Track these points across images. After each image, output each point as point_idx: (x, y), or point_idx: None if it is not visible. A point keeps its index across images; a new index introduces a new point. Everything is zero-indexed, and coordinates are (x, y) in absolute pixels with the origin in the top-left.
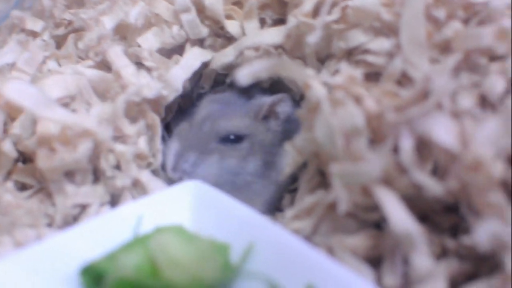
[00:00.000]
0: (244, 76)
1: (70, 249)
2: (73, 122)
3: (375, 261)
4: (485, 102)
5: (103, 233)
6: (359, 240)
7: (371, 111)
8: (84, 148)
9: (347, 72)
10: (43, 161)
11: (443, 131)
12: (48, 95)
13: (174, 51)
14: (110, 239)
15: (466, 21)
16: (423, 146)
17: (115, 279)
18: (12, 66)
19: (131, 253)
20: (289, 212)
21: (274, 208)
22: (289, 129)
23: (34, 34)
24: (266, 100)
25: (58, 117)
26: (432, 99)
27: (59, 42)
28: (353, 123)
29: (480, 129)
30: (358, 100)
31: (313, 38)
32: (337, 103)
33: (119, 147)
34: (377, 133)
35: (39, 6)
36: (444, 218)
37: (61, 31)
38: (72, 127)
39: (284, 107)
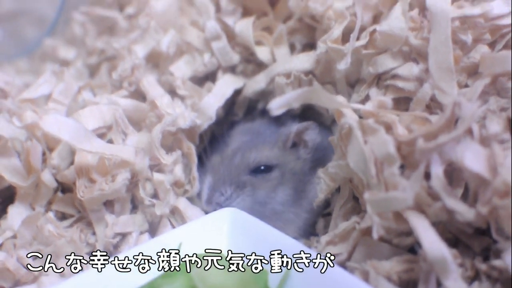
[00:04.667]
0: (277, 106)
1: (113, 279)
2: (110, 153)
3: (409, 285)
4: None
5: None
6: (393, 265)
7: (402, 138)
8: (122, 178)
9: (377, 98)
10: (82, 191)
11: (473, 158)
12: (85, 126)
13: (206, 78)
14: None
15: (492, 44)
16: (454, 172)
17: None
18: (47, 97)
19: (173, 281)
20: (323, 238)
21: (308, 233)
22: (320, 157)
23: (66, 63)
24: (292, 128)
25: (96, 148)
26: (461, 126)
27: (92, 70)
28: (385, 151)
29: (509, 155)
30: (389, 127)
31: (343, 65)
32: (369, 130)
33: (157, 176)
34: (407, 159)
35: (69, 33)
36: (476, 241)
37: (94, 59)
38: (110, 158)
39: (312, 135)
